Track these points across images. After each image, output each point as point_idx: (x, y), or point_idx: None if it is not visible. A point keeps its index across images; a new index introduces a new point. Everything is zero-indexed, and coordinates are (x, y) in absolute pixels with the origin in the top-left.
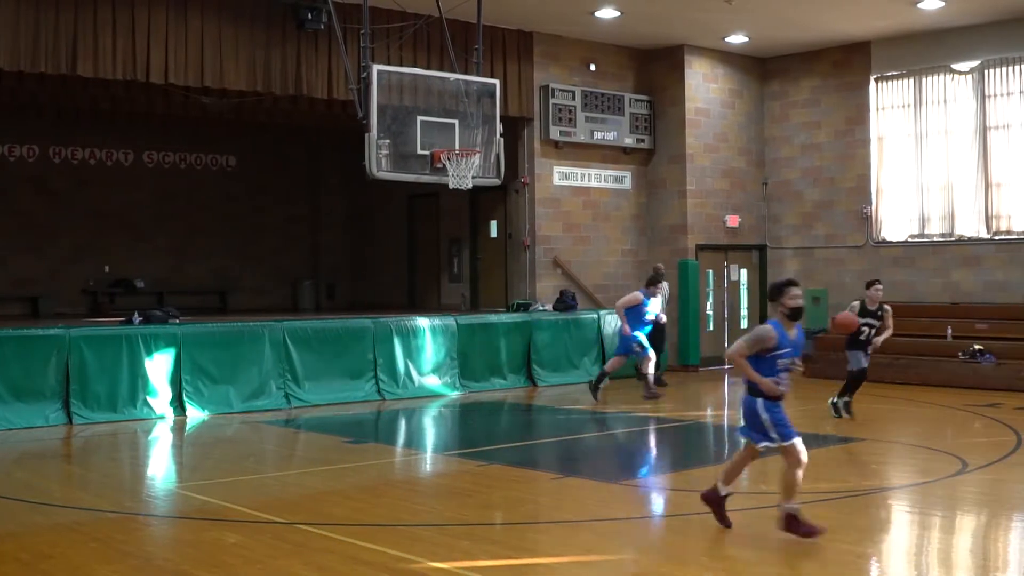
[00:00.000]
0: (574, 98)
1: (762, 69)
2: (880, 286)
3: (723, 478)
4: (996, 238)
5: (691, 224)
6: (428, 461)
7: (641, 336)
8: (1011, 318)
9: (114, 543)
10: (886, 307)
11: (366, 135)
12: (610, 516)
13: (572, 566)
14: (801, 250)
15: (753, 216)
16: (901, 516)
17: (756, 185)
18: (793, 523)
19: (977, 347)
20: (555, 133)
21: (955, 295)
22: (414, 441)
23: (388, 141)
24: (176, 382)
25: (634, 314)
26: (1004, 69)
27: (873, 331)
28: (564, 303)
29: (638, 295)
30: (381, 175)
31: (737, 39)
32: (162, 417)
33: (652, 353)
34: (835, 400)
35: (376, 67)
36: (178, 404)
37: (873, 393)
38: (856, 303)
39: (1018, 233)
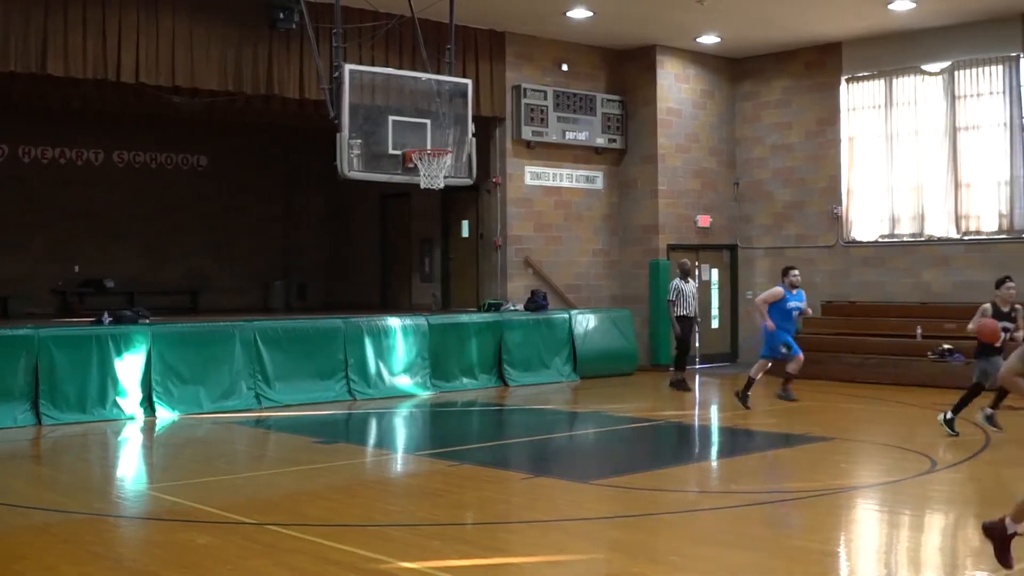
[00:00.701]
0: (546, 98)
1: (734, 69)
2: (1012, 284)
3: (1014, 514)
4: (965, 238)
5: (662, 224)
6: (399, 461)
7: (788, 336)
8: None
9: (84, 544)
10: (1018, 306)
11: (338, 135)
12: (581, 516)
13: (543, 566)
14: (772, 250)
15: (724, 216)
16: (870, 515)
17: (727, 185)
18: (1004, 542)
19: (946, 347)
20: (527, 133)
21: (925, 295)
22: (385, 441)
23: (360, 141)
24: (146, 382)
25: (776, 310)
26: (974, 70)
27: (1007, 335)
28: (535, 303)
29: (779, 290)
30: (353, 175)
31: (709, 39)
32: (132, 418)
33: (800, 354)
34: (988, 412)
35: (348, 67)
36: (148, 405)
37: (843, 392)
38: (987, 306)
39: (987, 233)
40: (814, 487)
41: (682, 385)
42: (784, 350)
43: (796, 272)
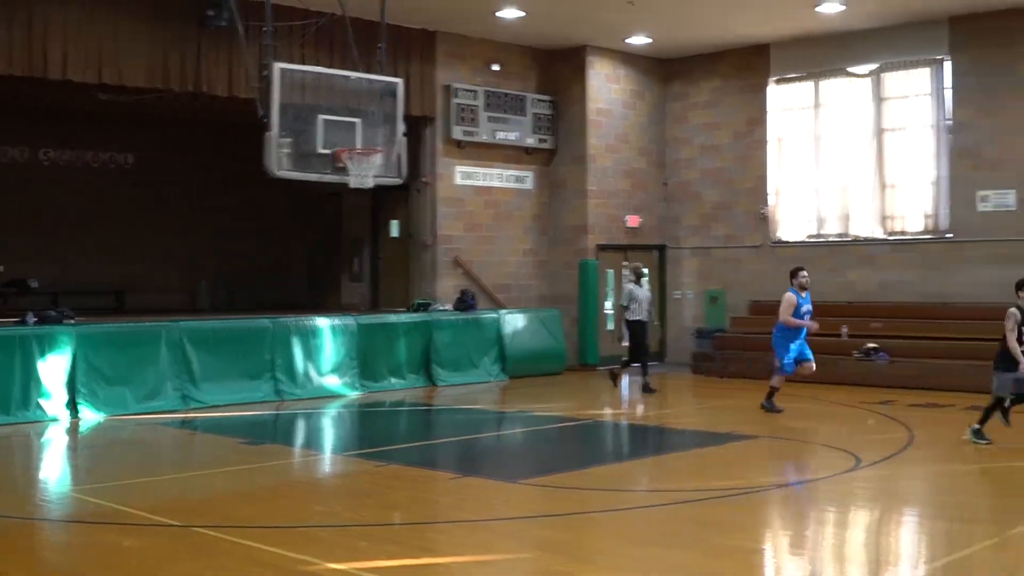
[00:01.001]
0: (477, 98)
1: (664, 70)
2: None
3: None
4: (890, 238)
5: (592, 224)
6: (327, 462)
7: (803, 346)
8: (904, 316)
9: (6, 548)
10: None
11: (267, 134)
12: (509, 515)
13: (471, 565)
14: (700, 250)
15: (653, 216)
16: (796, 512)
17: (657, 186)
18: None
19: (871, 345)
20: (458, 133)
21: (851, 294)
22: (313, 442)
23: (290, 140)
24: (71, 383)
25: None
26: (900, 72)
27: None
28: (464, 303)
29: (792, 296)
30: (282, 174)
31: (639, 40)
32: (56, 419)
33: (787, 373)
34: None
35: (278, 65)
36: (73, 406)
37: (765, 391)
38: (1014, 310)
39: (912, 233)
40: (741, 485)
41: (648, 388)
42: (777, 364)
43: (805, 273)
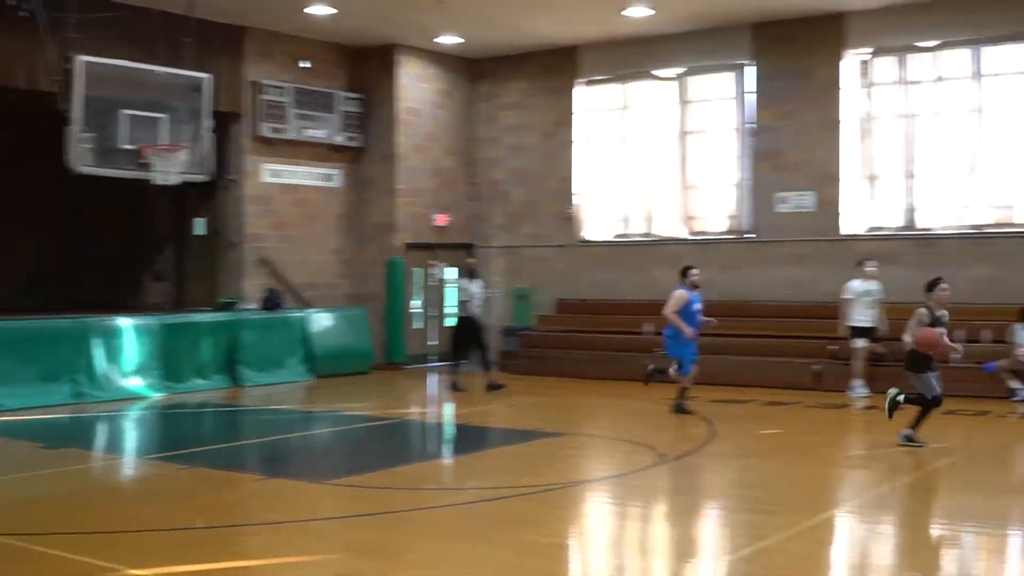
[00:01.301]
0: (286, 95)
1: (473, 70)
2: (946, 285)
3: None
4: (694, 238)
5: (400, 223)
6: (129, 465)
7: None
8: (706, 314)
9: None
10: (944, 311)
11: (68, 128)
12: (317, 516)
13: (279, 568)
14: (508, 249)
15: (462, 215)
16: (601, 507)
17: (465, 185)
18: None
19: None
20: (266, 130)
21: (655, 293)
22: (114, 445)
23: (93, 135)
24: None
25: (682, 316)
26: (704, 76)
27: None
28: (271, 302)
29: (683, 293)
30: (84, 170)
31: (449, 40)
32: None
33: (692, 371)
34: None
35: (81, 58)
36: None
37: (575, 388)
38: (922, 311)
39: (714, 234)
40: (547, 482)
41: (495, 387)
42: (676, 366)
43: (696, 271)
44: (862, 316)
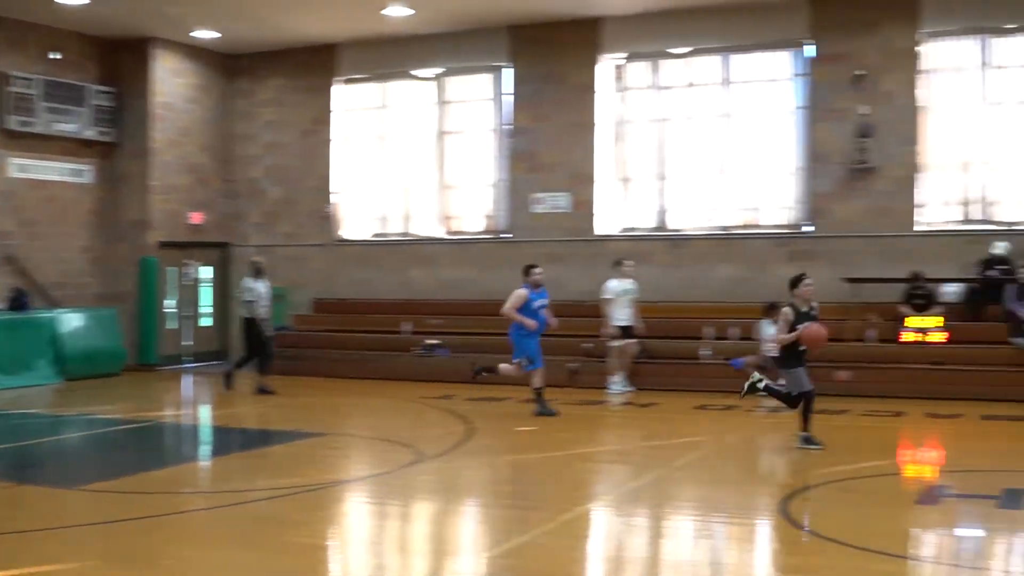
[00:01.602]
0: (35, 87)
1: (231, 66)
2: (810, 280)
3: None
4: (450, 237)
5: (154, 220)
6: None
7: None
8: (463, 314)
9: None
10: (815, 303)
11: None
12: (71, 523)
13: None
14: (264, 248)
15: (217, 213)
16: (360, 507)
17: (221, 182)
18: None
19: (432, 342)
20: (13, 123)
21: (412, 292)
22: None
23: None
24: None
25: (523, 313)
26: (463, 77)
27: None
28: (18, 302)
29: (523, 291)
30: None
31: (205, 34)
32: None
33: (542, 366)
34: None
35: None
36: None
37: (332, 388)
38: (787, 309)
39: (469, 233)
40: (306, 483)
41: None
42: (526, 363)
43: (539, 270)
44: (620, 315)
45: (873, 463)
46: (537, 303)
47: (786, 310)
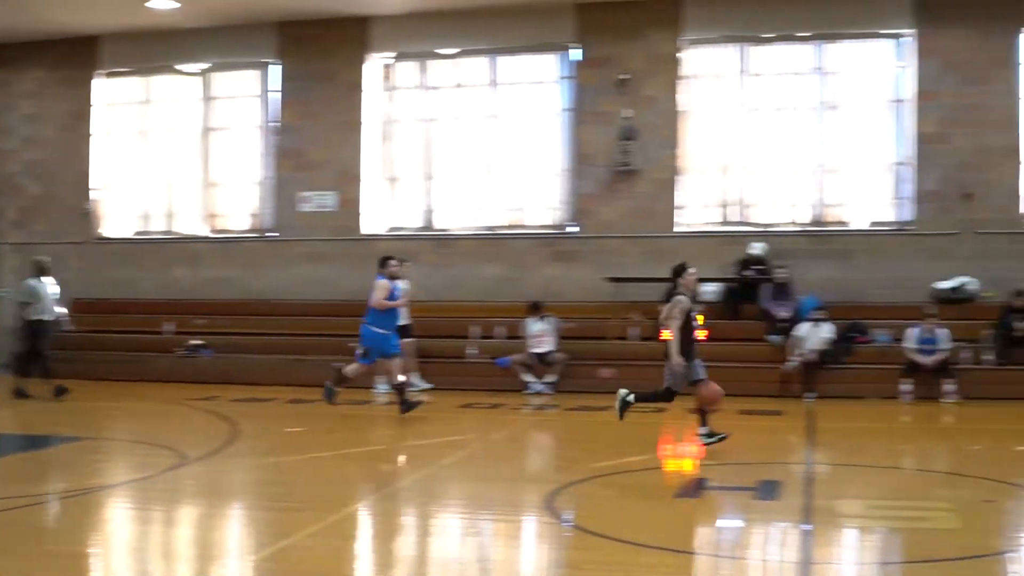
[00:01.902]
0: None
1: None
2: (694, 269)
3: None
4: (215, 236)
5: None
6: None
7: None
8: (227, 313)
9: None
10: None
11: None
12: None
13: None
14: (22, 246)
15: None
16: (123, 513)
17: None
18: None
19: (195, 342)
20: None
21: (175, 292)
22: None
23: None
24: None
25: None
26: (229, 73)
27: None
28: None
29: (386, 283)
30: None
31: None
32: None
33: (370, 365)
34: (703, 430)
35: None
36: None
37: (93, 390)
38: (681, 298)
39: (235, 231)
40: (66, 489)
41: (22, 394)
42: (363, 356)
43: (395, 261)
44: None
45: (635, 458)
46: (396, 293)
47: (681, 299)
